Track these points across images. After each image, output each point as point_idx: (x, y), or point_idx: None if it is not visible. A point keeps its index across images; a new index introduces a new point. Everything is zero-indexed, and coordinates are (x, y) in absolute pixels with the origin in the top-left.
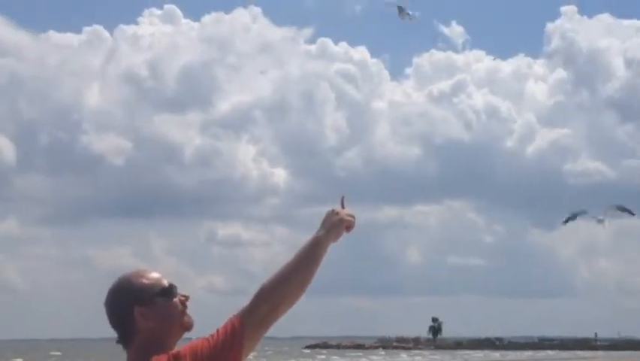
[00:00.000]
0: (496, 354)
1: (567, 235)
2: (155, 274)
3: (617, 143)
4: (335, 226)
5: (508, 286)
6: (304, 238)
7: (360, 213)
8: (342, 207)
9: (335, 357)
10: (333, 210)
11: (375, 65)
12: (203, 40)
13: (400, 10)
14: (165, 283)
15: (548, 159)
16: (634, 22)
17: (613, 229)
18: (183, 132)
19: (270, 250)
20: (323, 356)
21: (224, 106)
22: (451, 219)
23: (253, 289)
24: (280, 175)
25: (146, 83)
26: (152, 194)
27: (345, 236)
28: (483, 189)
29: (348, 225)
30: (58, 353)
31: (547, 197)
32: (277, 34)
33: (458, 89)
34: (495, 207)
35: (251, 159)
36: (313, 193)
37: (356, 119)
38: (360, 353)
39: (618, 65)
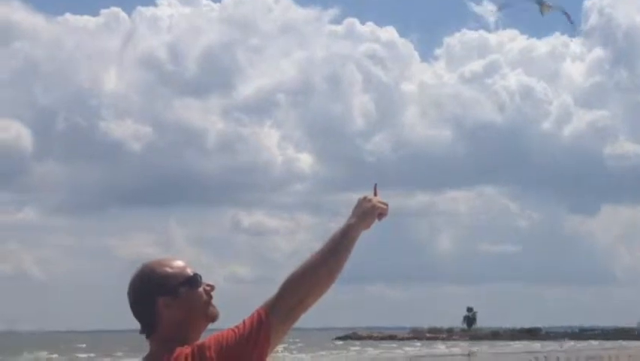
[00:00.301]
0: (537, 345)
1: (607, 220)
2: (179, 263)
3: None
4: (367, 213)
5: (545, 274)
6: (330, 225)
7: (390, 200)
8: (375, 195)
9: (369, 348)
10: (365, 197)
11: (404, 45)
12: (224, 21)
13: (542, 3)
14: (190, 272)
15: (586, 141)
16: None
17: None
18: (205, 117)
19: (296, 239)
20: (357, 348)
21: (246, 90)
22: (485, 205)
23: (278, 279)
24: (306, 161)
25: (166, 66)
26: (173, 181)
27: (376, 223)
28: (517, 174)
29: (380, 212)
30: (83, 346)
31: (585, 181)
32: (301, 14)
33: (491, 69)
34: (530, 193)
35: (275, 145)
36: (340, 179)
37: (384, 102)
38: (395, 345)
39: None
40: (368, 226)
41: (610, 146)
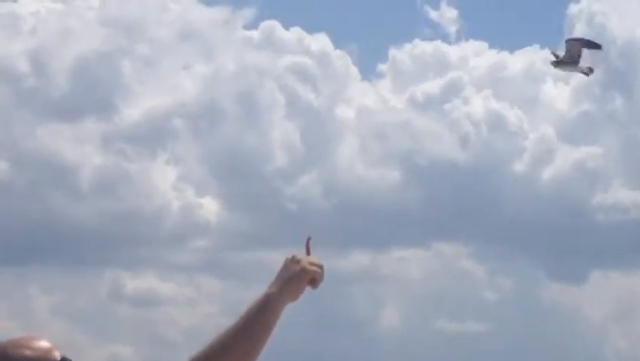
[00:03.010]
0: None
1: (596, 290)
2: (43, 344)
3: None
4: (295, 279)
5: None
6: (241, 293)
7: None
8: (308, 252)
9: None
10: (293, 258)
11: (339, 58)
12: (105, 23)
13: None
14: (57, 356)
15: (571, 187)
16: None
17: None
18: (78, 148)
19: (197, 311)
20: None
21: (133, 113)
22: (442, 268)
23: None
24: (210, 208)
25: (27, 81)
26: (34, 233)
27: (307, 292)
28: (484, 227)
29: (313, 277)
30: None
31: (569, 239)
32: (206, 15)
33: (451, 92)
34: (500, 253)
35: (170, 186)
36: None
37: (313, 131)
38: None
39: None
40: (295, 297)
41: (601, 194)
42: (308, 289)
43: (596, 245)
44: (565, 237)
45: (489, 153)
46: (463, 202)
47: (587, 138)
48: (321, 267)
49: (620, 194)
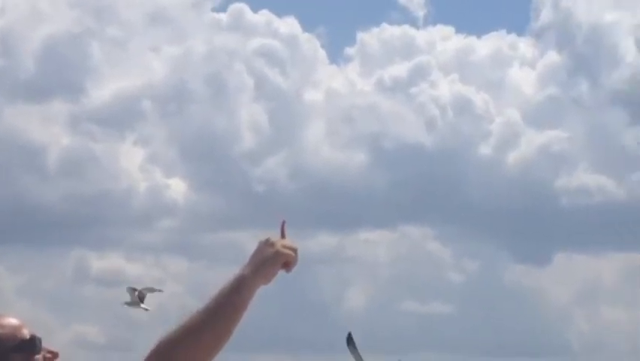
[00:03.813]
0: None
1: (560, 273)
2: (12, 321)
3: (626, 151)
4: (268, 261)
5: (483, 342)
6: (207, 273)
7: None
8: (283, 235)
9: None
10: (267, 240)
11: (307, 41)
12: (74, 4)
13: None
14: (26, 333)
15: (536, 171)
16: None
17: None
18: (45, 129)
19: (163, 290)
20: None
21: (101, 94)
22: (408, 250)
23: (141, 344)
24: (177, 188)
25: None
26: (1, 213)
27: (281, 275)
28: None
29: (287, 261)
30: None
31: (534, 222)
32: None
33: (418, 75)
34: (465, 235)
35: (138, 167)
36: (222, 213)
37: (281, 114)
38: None
39: (628, 47)
40: (268, 280)
41: (566, 177)
42: (281, 272)
43: (560, 228)
44: (529, 220)
45: (455, 136)
46: (429, 185)
47: (553, 122)
48: (295, 250)
49: (585, 178)
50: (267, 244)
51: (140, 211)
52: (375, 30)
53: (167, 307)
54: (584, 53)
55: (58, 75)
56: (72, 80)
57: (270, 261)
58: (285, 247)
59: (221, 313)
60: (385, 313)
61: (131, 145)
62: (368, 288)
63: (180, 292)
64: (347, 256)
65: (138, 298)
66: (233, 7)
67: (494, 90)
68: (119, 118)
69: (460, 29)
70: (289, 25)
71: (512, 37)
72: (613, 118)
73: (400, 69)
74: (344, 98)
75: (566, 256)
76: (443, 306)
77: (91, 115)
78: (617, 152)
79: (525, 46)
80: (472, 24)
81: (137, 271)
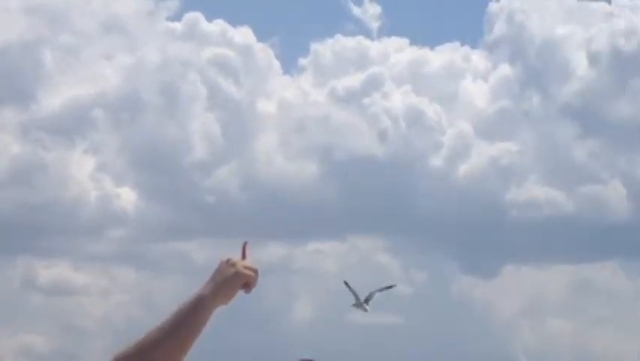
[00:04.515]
0: None
1: (507, 285)
2: None
3: (576, 164)
4: (228, 282)
5: (430, 354)
6: (155, 284)
7: (234, 252)
8: (244, 256)
9: None
10: (228, 260)
11: (261, 51)
12: (27, 12)
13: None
14: None
15: (486, 183)
16: (601, 4)
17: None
18: None
19: (110, 300)
20: None
21: (52, 102)
22: (357, 261)
23: (86, 355)
24: (127, 197)
25: None
26: None
27: (239, 296)
28: (400, 222)
29: (247, 281)
30: None
31: (483, 234)
32: (129, 5)
33: (370, 86)
34: (415, 247)
35: (87, 176)
36: (172, 223)
37: (233, 124)
38: None
39: (580, 61)
40: (228, 300)
41: (515, 189)
42: (240, 293)
43: (508, 240)
44: (479, 232)
45: (407, 147)
46: (379, 196)
47: (504, 134)
48: (255, 271)
49: (534, 190)
50: (228, 263)
51: (89, 220)
52: (329, 41)
53: (114, 317)
54: (536, 66)
55: (9, 83)
56: (23, 88)
57: (230, 281)
58: (245, 267)
59: (177, 331)
60: (332, 324)
61: (81, 154)
62: (315, 298)
63: (127, 302)
64: (296, 266)
65: (366, 299)
66: (188, 16)
67: (447, 102)
68: (70, 126)
69: (414, 41)
70: (244, 34)
71: (466, 49)
72: (564, 131)
73: (353, 80)
74: (297, 108)
75: (514, 268)
76: (392, 317)
77: (41, 123)
78: (567, 165)
79: (478, 58)
80: (426, 36)
81: (84, 280)
